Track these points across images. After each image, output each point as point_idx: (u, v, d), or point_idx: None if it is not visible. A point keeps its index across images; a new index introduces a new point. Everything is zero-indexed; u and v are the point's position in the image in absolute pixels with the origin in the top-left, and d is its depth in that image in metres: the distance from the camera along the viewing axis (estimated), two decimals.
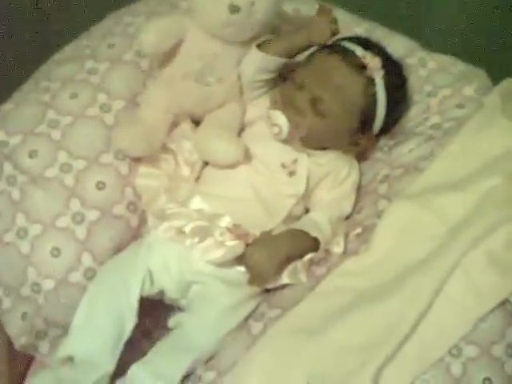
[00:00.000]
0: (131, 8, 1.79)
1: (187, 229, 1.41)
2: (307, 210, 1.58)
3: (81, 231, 1.46)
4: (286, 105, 1.50)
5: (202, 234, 1.41)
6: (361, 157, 1.62)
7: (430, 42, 1.79)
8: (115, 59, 1.63)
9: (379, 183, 1.54)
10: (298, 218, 1.55)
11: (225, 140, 1.51)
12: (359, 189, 1.59)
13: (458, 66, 1.71)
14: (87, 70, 1.62)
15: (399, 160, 1.55)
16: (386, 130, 1.59)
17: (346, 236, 1.48)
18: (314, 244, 1.46)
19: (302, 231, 1.46)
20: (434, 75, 1.69)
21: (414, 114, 1.63)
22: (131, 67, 1.63)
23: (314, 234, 1.45)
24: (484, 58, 1.71)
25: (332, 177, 1.56)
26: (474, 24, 2.16)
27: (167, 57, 1.55)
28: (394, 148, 1.60)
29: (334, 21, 1.48)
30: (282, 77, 1.60)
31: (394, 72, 1.56)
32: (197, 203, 1.49)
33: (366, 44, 1.54)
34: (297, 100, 1.49)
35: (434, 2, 2.15)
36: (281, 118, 1.48)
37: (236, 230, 1.42)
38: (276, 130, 1.49)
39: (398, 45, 1.70)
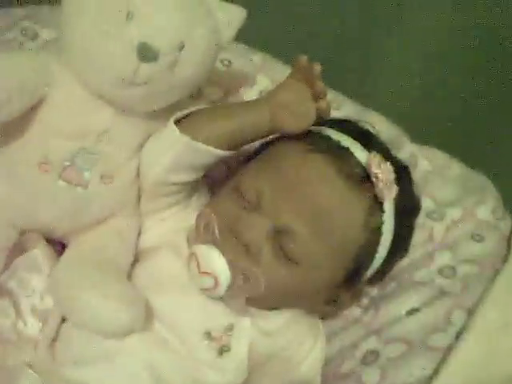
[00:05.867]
0: None
1: None
2: None
3: None
4: (226, 236, 0.85)
5: None
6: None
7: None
8: None
9: (362, 365, 0.95)
10: None
11: (112, 297, 0.83)
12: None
13: (454, 168, 1.16)
14: None
15: (393, 328, 0.97)
16: (377, 278, 0.97)
17: None
18: None
19: None
20: (432, 182, 1.11)
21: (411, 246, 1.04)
22: None
23: None
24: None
25: (286, 355, 0.93)
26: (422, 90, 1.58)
27: (8, 129, 0.85)
28: (382, 303, 1.00)
29: (323, 93, 0.85)
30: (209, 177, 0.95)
31: (407, 188, 0.95)
32: None
33: (364, 137, 0.91)
34: (248, 229, 0.85)
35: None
36: (218, 265, 0.83)
37: None
38: (208, 282, 0.84)
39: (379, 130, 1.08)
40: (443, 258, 1.02)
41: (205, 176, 0.96)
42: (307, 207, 0.85)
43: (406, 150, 1.12)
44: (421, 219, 1.04)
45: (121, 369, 0.84)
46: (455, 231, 1.05)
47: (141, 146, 0.90)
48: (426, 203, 1.06)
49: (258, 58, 1.18)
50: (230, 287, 0.84)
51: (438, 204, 1.08)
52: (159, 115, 0.89)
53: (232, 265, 0.83)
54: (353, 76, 1.32)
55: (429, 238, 1.05)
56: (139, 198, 0.92)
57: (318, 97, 0.85)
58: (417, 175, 1.09)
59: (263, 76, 1.13)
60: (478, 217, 1.07)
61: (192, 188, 0.94)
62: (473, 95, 1.38)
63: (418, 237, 1.03)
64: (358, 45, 1.37)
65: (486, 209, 1.08)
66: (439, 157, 1.17)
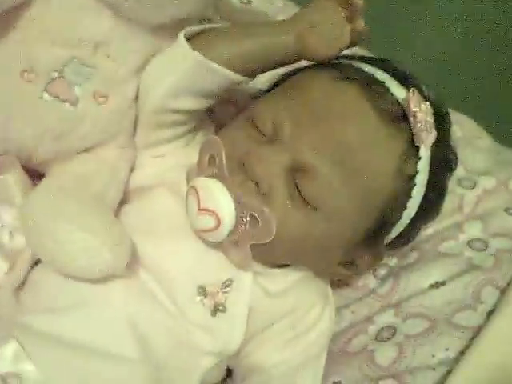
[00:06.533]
0: None
1: None
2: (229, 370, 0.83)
3: None
4: (234, 170, 0.72)
5: None
6: (339, 281, 0.87)
7: None
8: None
9: (376, 342, 0.84)
10: None
11: (92, 232, 0.71)
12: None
13: (486, 140, 1.07)
14: None
15: (414, 302, 0.86)
16: (400, 242, 0.84)
17: None
18: None
19: None
20: (463, 149, 0.98)
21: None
22: None
23: None
24: None
25: (290, 322, 0.80)
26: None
27: None
28: (401, 274, 0.89)
29: (360, 11, 0.73)
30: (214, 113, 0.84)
31: (445, 137, 0.82)
32: (9, 356, 0.69)
33: (402, 75, 0.79)
34: (261, 163, 0.72)
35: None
36: (222, 200, 0.70)
37: None
38: (208, 222, 0.71)
39: None
40: (474, 230, 0.92)
41: (211, 114, 0.85)
42: (333, 142, 0.72)
43: None
44: (450, 185, 0.91)
45: (97, 319, 0.72)
46: (487, 202, 0.95)
47: (143, 65, 0.78)
48: (459, 170, 0.94)
49: (279, 1, 1.08)
50: (233, 230, 0.71)
51: (469, 172, 0.97)
52: (167, 33, 0.77)
53: (238, 202, 0.70)
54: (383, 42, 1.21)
55: (458, 207, 0.94)
56: (135, 127, 0.80)
57: (353, 17, 0.72)
58: None
59: (284, 16, 1.02)
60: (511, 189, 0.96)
61: (196, 123, 0.81)
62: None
63: (446, 204, 0.90)
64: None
65: None
66: (471, 126, 1.08)
